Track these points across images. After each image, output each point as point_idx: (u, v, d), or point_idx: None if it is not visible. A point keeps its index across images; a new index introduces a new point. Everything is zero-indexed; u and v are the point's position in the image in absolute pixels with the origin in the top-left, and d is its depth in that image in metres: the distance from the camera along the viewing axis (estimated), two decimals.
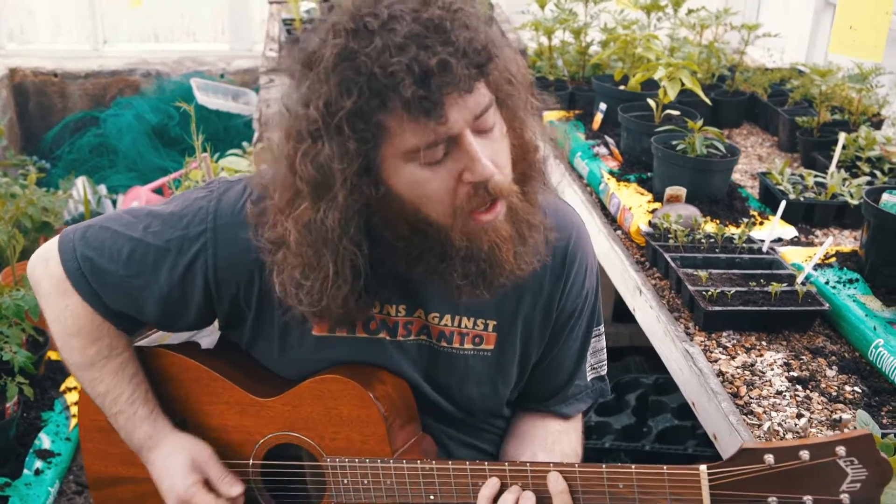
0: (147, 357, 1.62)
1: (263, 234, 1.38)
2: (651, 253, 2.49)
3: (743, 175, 3.19)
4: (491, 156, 1.29)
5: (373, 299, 1.42)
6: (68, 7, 4.96)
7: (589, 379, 1.73)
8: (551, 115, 3.63)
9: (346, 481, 1.49)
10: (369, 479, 1.46)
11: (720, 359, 2.07)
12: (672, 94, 2.88)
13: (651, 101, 3.02)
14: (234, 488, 1.54)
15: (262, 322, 1.53)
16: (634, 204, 2.72)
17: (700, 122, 2.71)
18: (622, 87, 3.33)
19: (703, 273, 2.26)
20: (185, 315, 1.52)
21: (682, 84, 2.91)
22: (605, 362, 1.76)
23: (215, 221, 1.47)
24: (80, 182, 3.87)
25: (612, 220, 2.81)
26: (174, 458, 1.54)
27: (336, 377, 1.47)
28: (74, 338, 1.54)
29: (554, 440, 1.67)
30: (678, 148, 2.71)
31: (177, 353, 1.60)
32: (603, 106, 3.35)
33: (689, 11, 3.77)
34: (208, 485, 1.55)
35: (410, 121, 1.23)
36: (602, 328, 1.73)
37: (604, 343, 1.75)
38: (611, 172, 2.97)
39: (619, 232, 2.73)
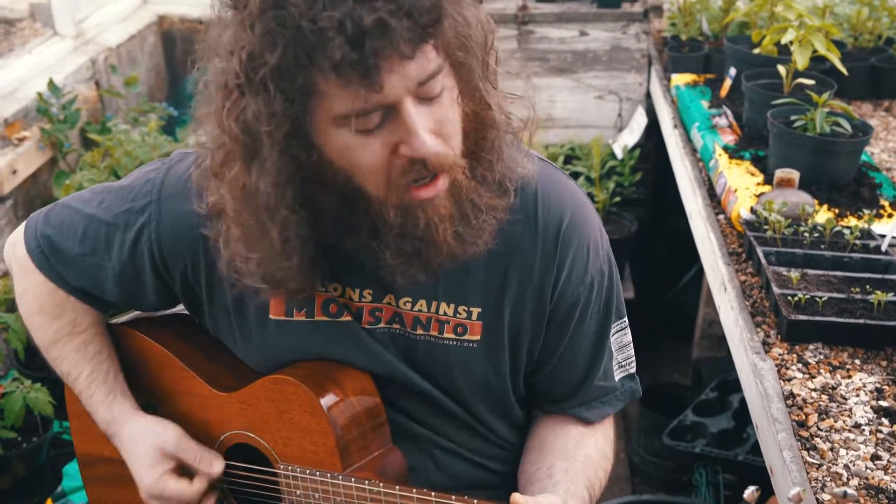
0: (118, 335, 1.53)
1: (204, 202, 1.26)
2: (747, 244, 2.19)
3: (891, 156, 2.78)
4: (434, 126, 1.13)
5: (330, 271, 1.30)
6: None
7: (618, 379, 1.50)
8: (680, 79, 3.31)
9: (298, 492, 1.35)
10: (320, 494, 1.32)
11: (795, 378, 1.77)
12: (802, 60, 2.52)
13: (781, 68, 2.66)
14: (215, 465, 1.43)
15: (215, 304, 1.40)
16: (741, 185, 2.40)
17: (826, 95, 2.35)
18: (756, 51, 2.97)
19: (795, 274, 1.95)
20: (144, 295, 1.43)
21: (815, 50, 2.54)
22: (634, 359, 1.53)
23: (160, 193, 1.37)
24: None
25: (717, 202, 2.50)
26: (139, 447, 1.45)
27: (288, 379, 1.32)
28: (36, 315, 1.49)
29: (576, 444, 1.46)
30: (796, 125, 2.37)
31: (145, 334, 1.50)
32: (733, 71, 3.00)
33: None
34: (181, 470, 1.45)
35: (340, 85, 1.06)
36: (626, 321, 1.50)
37: (630, 336, 1.52)
38: (725, 147, 2.65)
39: (721, 216, 2.43)
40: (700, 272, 3.82)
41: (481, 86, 1.19)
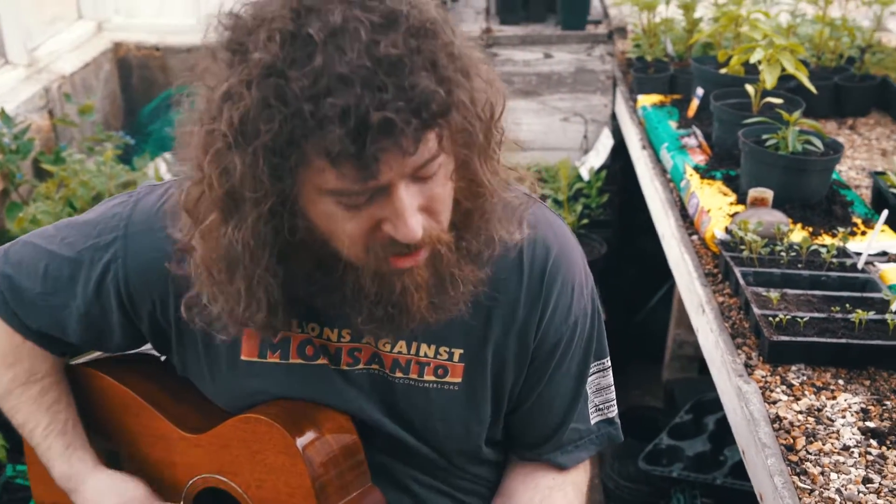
0: (78, 377, 1.45)
1: (175, 237, 1.19)
2: (724, 265, 2.15)
3: (859, 173, 2.77)
4: (424, 203, 1.07)
5: (308, 310, 1.25)
6: None
7: (593, 422, 1.45)
8: (646, 100, 3.29)
9: None
10: None
11: (781, 400, 1.73)
12: (770, 79, 2.51)
13: (749, 88, 2.65)
14: None
15: (184, 343, 1.33)
16: (714, 205, 2.38)
17: (797, 114, 2.33)
18: (723, 71, 2.96)
19: (774, 294, 1.92)
20: (110, 335, 1.34)
21: (783, 69, 2.53)
22: (615, 402, 1.48)
23: (127, 228, 1.29)
24: (161, 160, 3.80)
25: (690, 222, 2.47)
26: None
27: (261, 418, 1.25)
28: None
29: (542, 498, 1.40)
30: (768, 143, 2.35)
31: (108, 374, 1.42)
32: (700, 91, 2.99)
33: None
34: None
35: (334, 169, 1.00)
36: (607, 362, 1.45)
37: (611, 380, 1.46)
38: (696, 168, 2.63)
39: (694, 237, 2.39)
40: (669, 293, 3.80)
41: (479, 165, 1.12)
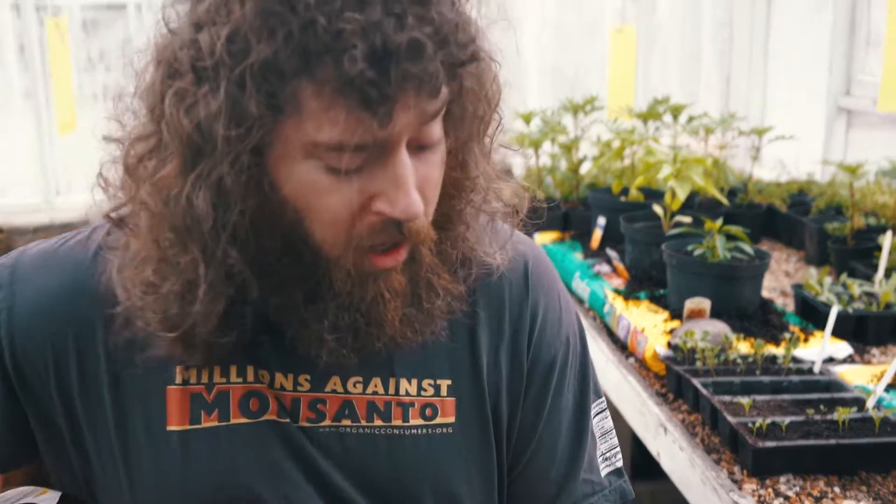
0: None
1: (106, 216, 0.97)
2: (674, 381, 1.97)
3: (772, 292, 2.70)
4: (419, 183, 0.88)
5: (252, 351, 0.99)
6: (20, 159, 4.67)
7: (604, 474, 1.19)
8: (545, 237, 3.19)
9: None
10: None
11: None
12: (682, 194, 2.44)
13: (657, 208, 2.58)
14: None
15: (88, 421, 0.99)
16: (648, 324, 2.22)
17: (719, 222, 2.25)
18: (623, 199, 2.90)
19: (745, 400, 1.74)
20: None
21: (693, 184, 2.47)
22: (619, 451, 1.24)
23: (13, 274, 1.02)
24: None
25: (622, 347, 2.30)
26: None
27: None
28: None
29: None
30: (696, 254, 2.24)
31: None
32: (602, 220, 2.91)
33: (691, 118, 3.39)
34: None
35: (340, 106, 0.80)
36: (604, 403, 1.23)
37: (611, 423, 1.24)
38: (616, 291, 2.49)
39: (631, 360, 2.22)
40: None
41: (475, 149, 0.96)
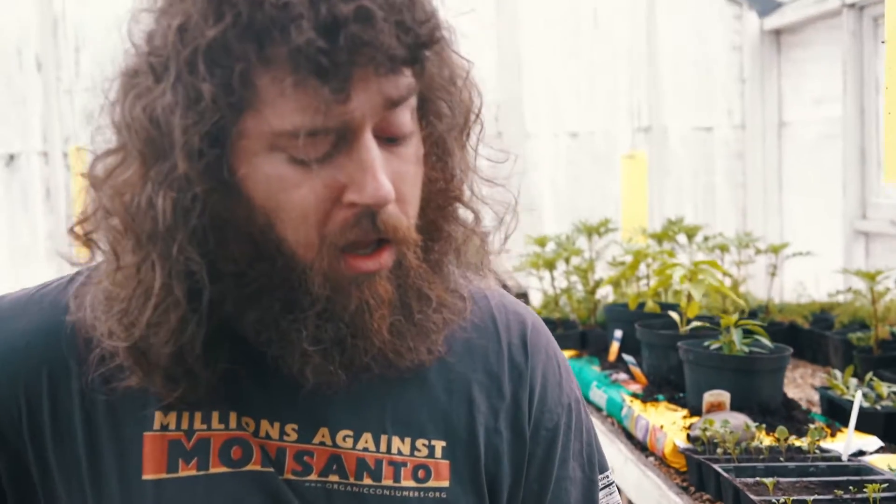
0: None
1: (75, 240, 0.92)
2: (695, 471, 1.88)
3: (799, 401, 2.62)
4: (392, 177, 0.85)
5: (218, 357, 0.90)
6: None
7: None
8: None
9: None
10: None
11: None
12: (697, 294, 2.40)
13: (673, 314, 2.54)
14: None
15: (59, 468, 0.94)
16: (667, 422, 2.14)
17: (735, 316, 2.20)
18: (644, 311, 2.87)
19: (769, 480, 1.65)
20: None
21: (708, 287, 2.44)
22: None
23: None
24: None
25: (641, 447, 2.22)
26: None
27: None
28: None
29: None
30: (713, 348, 2.18)
31: None
32: (618, 333, 2.86)
33: (706, 238, 3.39)
34: None
35: (295, 83, 0.78)
36: (610, 475, 1.14)
37: (619, 499, 1.15)
38: (634, 395, 2.42)
39: (651, 458, 2.13)
40: None
41: (453, 145, 0.94)
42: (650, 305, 2.83)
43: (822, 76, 4.22)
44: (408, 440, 0.97)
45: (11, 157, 4.69)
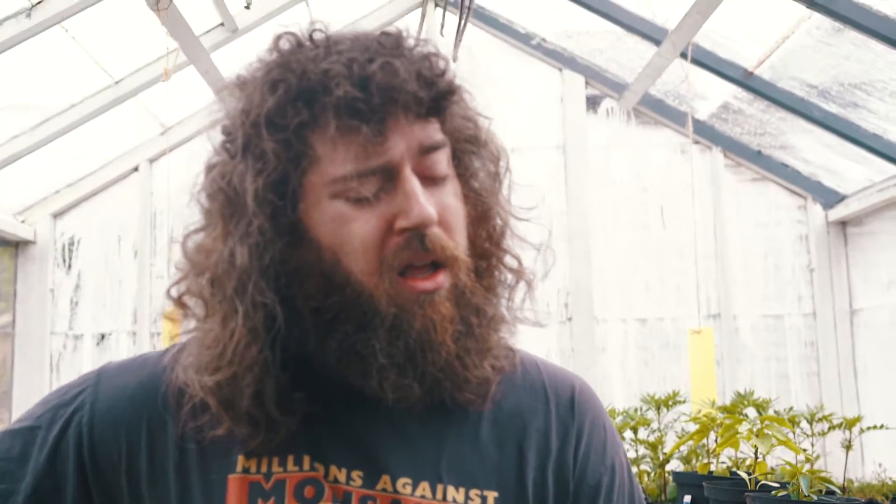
0: None
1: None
2: None
3: None
4: (439, 209, 0.99)
5: (296, 408, 1.00)
6: None
7: None
8: None
9: None
10: None
11: None
12: (764, 449, 2.38)
13: (742, 473, 2.50)
14: None
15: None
16: None
17: (802, 465, 2.18)
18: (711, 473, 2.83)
19: None
20: None
21: (775, 441, 2.43)
22: None
23: (98, 377, 1.11)
24: None
25: None
26: None
27: None
28: None
29: None
30: (780, 495, 2.15)
31: None
32: (687, 498, 2.81)
33: (777, 412, 3.35)
34: None
35: (338, 129, 0.94)
36: None
37: None
38: None
39: None
40: None
41: (490, 188, 1.07)
42: (719, 470, 2.79)
43: (889, 263, 4.26)
44: (462, 490, 1.04)
45: (103, 336, 4.95)
